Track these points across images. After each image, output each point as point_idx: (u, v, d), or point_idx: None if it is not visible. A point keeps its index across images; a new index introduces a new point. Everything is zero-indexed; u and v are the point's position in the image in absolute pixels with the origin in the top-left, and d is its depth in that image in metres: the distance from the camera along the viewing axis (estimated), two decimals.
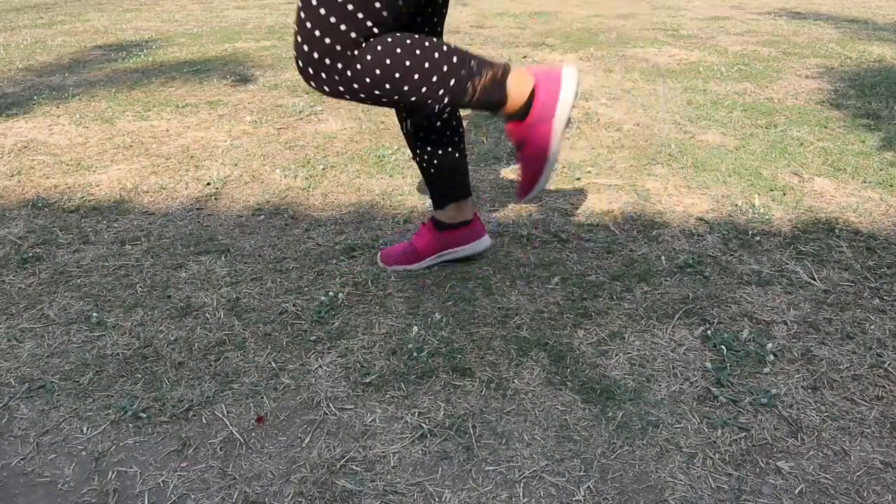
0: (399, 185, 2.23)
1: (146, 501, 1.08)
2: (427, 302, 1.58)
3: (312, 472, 1.13)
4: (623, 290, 1.62)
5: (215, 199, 2.15)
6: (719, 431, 1.20)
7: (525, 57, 4.05)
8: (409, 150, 1.41)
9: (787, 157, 2.41)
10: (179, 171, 2.38)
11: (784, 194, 2.11)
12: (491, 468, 1.13)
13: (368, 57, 1.23)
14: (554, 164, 1.41)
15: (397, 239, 1.86)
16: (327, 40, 1.21)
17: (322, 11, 1.19)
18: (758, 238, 1.85)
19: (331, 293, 1.61)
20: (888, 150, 2.45)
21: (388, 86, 1.25)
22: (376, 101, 1.30)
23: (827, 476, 1.11)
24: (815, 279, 1.65)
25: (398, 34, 1.26)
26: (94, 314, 1.54)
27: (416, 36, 1.28)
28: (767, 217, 1.96)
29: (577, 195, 2.14)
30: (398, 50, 1.24)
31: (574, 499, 1.07)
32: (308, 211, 2.06)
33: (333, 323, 1.51)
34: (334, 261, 1.77)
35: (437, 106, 1.30)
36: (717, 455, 1.15)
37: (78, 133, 2.77)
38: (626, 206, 2.06)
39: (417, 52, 1.26)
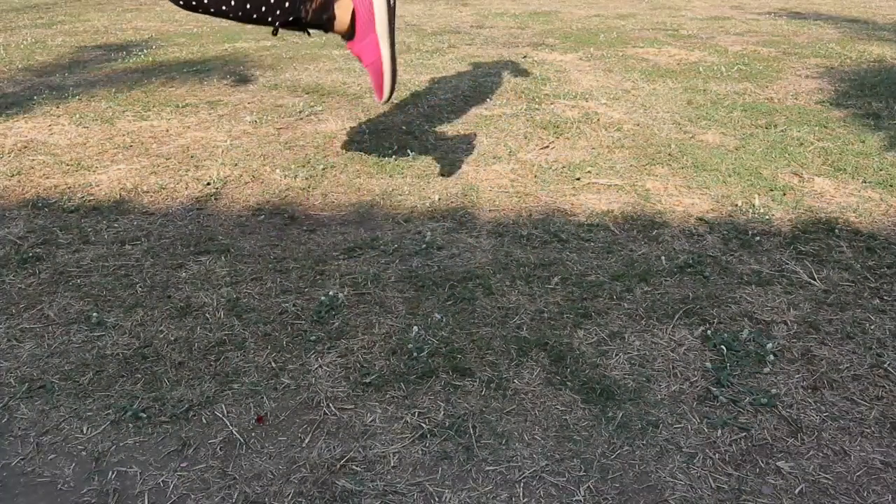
0: (399, 185, 2.23)
1: (146, 501, 1.08)
2: (427, 302, 1.58)
3: (312, 472, 1.13)
4: (623, 290, 1.62)
5: (215, 199, 2.15)
6: (719, 431, 1.20)
7: (525, 57, 4.05)
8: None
9: (787, 157, 2.41)
10: (179, 171, 2.38)
11: (784, 194, 2.11)
12: (491, 468, 1.13)
13: None
14: (393, 62, 1.58)
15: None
16: None
17: None
18: (758, 238, 1.85)
19: (331, 293, 1.61)
20: (888, 150, 2.45)
21: (232, 2, 1.47)
22: (221, 14, 1.51)
23: (827, 476, 1.11)
24: (815, 279, 1.65)
25: None
26: (94, 314, 1.54)
27: None
28: (767, 217, 1.96)
29: (577, 195, 2.14)
30: None
31: (574, 499, 1.07)
32: (308, 211, 2.06)
33: (333, 323, 1.51)
34: (334, 261, 1.77)
35: (276, 23, 1.53)
36: (717, 455, 1.15)
37: (78, 133, 2.77)
38: (626, 206, 2.06)
39: None
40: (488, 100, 3.18)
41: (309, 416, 1.25)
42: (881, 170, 2.28)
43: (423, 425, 1.22)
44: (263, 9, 1.53)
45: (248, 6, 1.51)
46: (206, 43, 4.60)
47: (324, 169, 2.37)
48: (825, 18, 5.41)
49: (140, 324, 1.52)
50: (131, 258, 1.80)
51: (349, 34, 1.63)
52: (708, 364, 1.36)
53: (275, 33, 1.68)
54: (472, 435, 1.20)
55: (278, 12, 1.54)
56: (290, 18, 1.59)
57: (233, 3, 1.49)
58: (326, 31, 1.66)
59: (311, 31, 1.71)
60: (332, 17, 1.61)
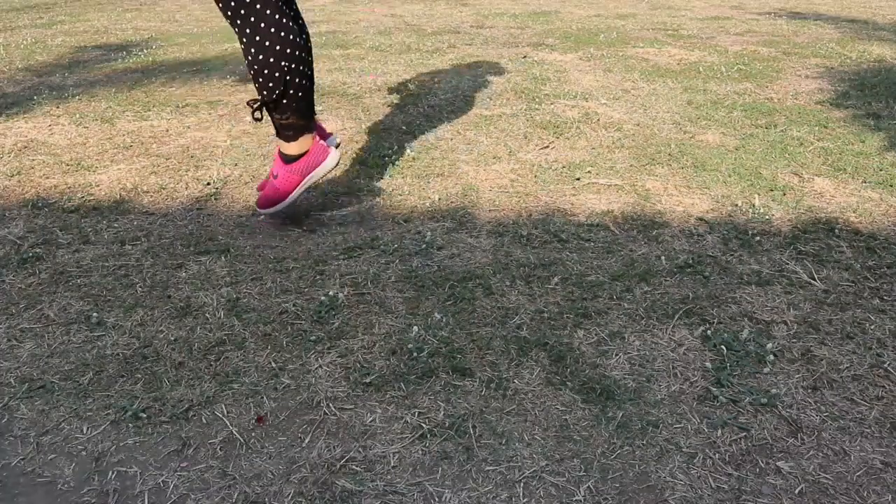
0: (399, 185, 2.23)
1: (146, 501, 1.08)
2: (427, 302, 1.58)
3: (312, 472, 1.13)
4: (623, 290, 1.62)
5: (215, 199, 2.15)
6: (719, 431, 1.20)
7: (525, 57, 4.05)
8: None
9: (787, 157, 2.41)
10: (179, 171, 2.38)
11: (784, 194, 2.11)
12: (491, 468, 1.13)
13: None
14: (289, 204, 1.86)
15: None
16: None
17: None
18: (758, 238, 1.85)
19: (331, 293, 1.61)
20: (888, 150, 2.45)
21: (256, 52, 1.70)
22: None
23: (827, 476, 1.11)
24: (815, 279, 1.65)
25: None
26: (94, 314, 1.54)
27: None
28: (767, 217, 1.96)
29: (577, 195, 2.14)
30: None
31: (574, 499, 1.07)
32: (308, 211, 2.05)
33: (333, 323, 1.51)
34: (334, 261, 1.77)
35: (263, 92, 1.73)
36: (717, 455, 1.15)
37: (78, 133, 2.77)
38: (626, 206, 2.06)
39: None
40: (488, 100, 3.18)
41: (309, 416, 1.25)
42: (881, 170, 2.28)
43: (423, 425, 1.22)
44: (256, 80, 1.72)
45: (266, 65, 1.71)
46: (206, 43, 4.60)
47: None
48: (825, 18, 5.41)
49: (140, 324, 1.52)
50: (131, 258, 1.80)
51: (288, 158, 1.82)
52: (708, 364, 1.36)
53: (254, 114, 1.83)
54: (472, 435, 1.20)
55: (265, 93, 1.73)
56: (267, 104, 1.77)
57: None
58: (278, 136, 1.83)
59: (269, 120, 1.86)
60: (292, 139, 1.79)
